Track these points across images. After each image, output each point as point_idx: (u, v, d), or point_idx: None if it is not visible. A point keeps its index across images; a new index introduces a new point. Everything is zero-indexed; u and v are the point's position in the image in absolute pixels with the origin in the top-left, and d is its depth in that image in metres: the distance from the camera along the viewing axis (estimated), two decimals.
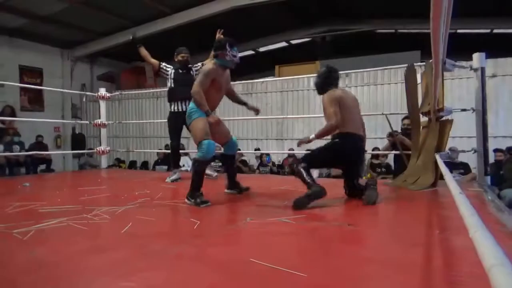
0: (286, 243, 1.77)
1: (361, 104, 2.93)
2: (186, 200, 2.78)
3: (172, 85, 4.31)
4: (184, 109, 4.16)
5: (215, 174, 4.42)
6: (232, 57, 2.95)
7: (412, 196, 3.01)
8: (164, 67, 4.36)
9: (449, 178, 1.70)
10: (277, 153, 9.16)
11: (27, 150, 8.81)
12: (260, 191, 3.40)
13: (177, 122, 4.21)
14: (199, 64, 4.36)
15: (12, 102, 9.95)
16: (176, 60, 4.36)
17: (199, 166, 2.85)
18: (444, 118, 3.35)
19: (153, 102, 10.72)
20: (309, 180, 2.70)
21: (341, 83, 9.10)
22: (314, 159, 2.94)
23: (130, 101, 11.38)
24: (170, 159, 4.43)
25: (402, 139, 4.26)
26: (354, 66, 6.92)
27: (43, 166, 9.43)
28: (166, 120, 4.45)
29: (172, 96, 4.30)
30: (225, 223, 2.34)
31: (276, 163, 8.85)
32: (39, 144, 9.48)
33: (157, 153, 9.35)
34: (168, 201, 2.92)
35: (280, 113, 9.28)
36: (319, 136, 2.84)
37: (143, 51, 4.43)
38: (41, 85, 10.31)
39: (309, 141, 2.83)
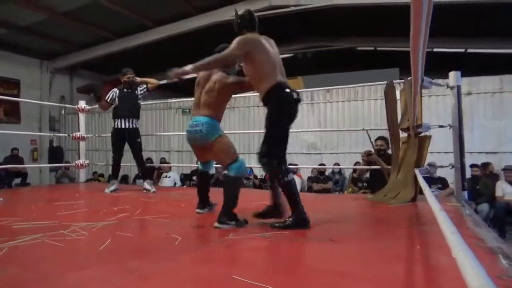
0: (268, 259, 1.76)
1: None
2: (219, 225, 2.38)
3: (117, 103, 4.61)
4: (126, 126, 4.55)
5: (153, 189, 4.56)
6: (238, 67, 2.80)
7: (392, 211, 3.05)
8: (110, 96, 4.66)
9: (429, 194, 1.73)
10: (260, 168, 9.14)
11: (1, 163, 8.53)
12: (242, 206, 3.37)
13: (119, 137, 4.55)
14: (144, 85, 4.70)
15: None
16: (122, 80, 4.66)
17: (240, 184, 2.66)
18: (422, 134, 3.42)
19: None
20: (300, 206, 2.37)
21: (322, 98, 9.22)
22: (280, 146, 2.48)
23: (110, 114, 11.21)
24: (111, 171, 4.72)
25: (376, 159, 4.29)
26: (335, 82, 7.06)
27: (18, 180, 9.15)
28: (146, 134, 4.54)
29: (116, 114, 4.62)
30: (207, 239, 2.30)
31: (259, 177, 8.83)
32: (15, 157, 9.21)
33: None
34: (148, 216, 2.86)
35: (262, 128, 9.28)
36: (205, 65, 2.40)
37: (100, 100, 4.83)
38: (18, 97, 10.08)
39: (185, 72, 2.38)
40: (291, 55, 12.81)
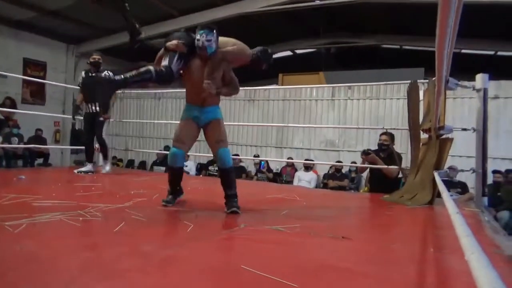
0: (279, 252, 1.76)
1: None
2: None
3: (81, 86, 4.78)
4: (89, 111, 4.67)
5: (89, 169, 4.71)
6: (197, 41, 2.66)
7: (408, 213, 3.00)
8: (79, 81, 4.88)
9: (447, 196, 1.69)
10: (276, 161, 9.15)
11: (25, 143, 8.78)
12: (256, 198, 3.39)
13: (86, 122, 4.72)
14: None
15: (14, 94, 9.93)
16: (88, 62, 4.80)
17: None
18: (444, 136, 3.35)
19: (154, 102, 10.73)
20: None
21: (343, 95, 9.08)
22: None
23: (131, 100, 11.37)
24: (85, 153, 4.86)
25: (374, 159, 4.19)
26: (357, 79, 6.96)
27: (40, 160, 9.40)
28: (166, 121, 4.64)
29: (84, 98, 4.75)
30: (219, 228, 2.32)
31: (274, 170, 8.83)
32: (38, 138, 9.46)
33: (156, 153, 9.33)
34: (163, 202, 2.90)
35: (281, 121, 9.28)
36: None
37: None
38: (44, 79, 10.31)
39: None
40: (315, 50, 12.70)
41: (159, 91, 9.74)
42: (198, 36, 2.65)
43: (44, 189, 3.47)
